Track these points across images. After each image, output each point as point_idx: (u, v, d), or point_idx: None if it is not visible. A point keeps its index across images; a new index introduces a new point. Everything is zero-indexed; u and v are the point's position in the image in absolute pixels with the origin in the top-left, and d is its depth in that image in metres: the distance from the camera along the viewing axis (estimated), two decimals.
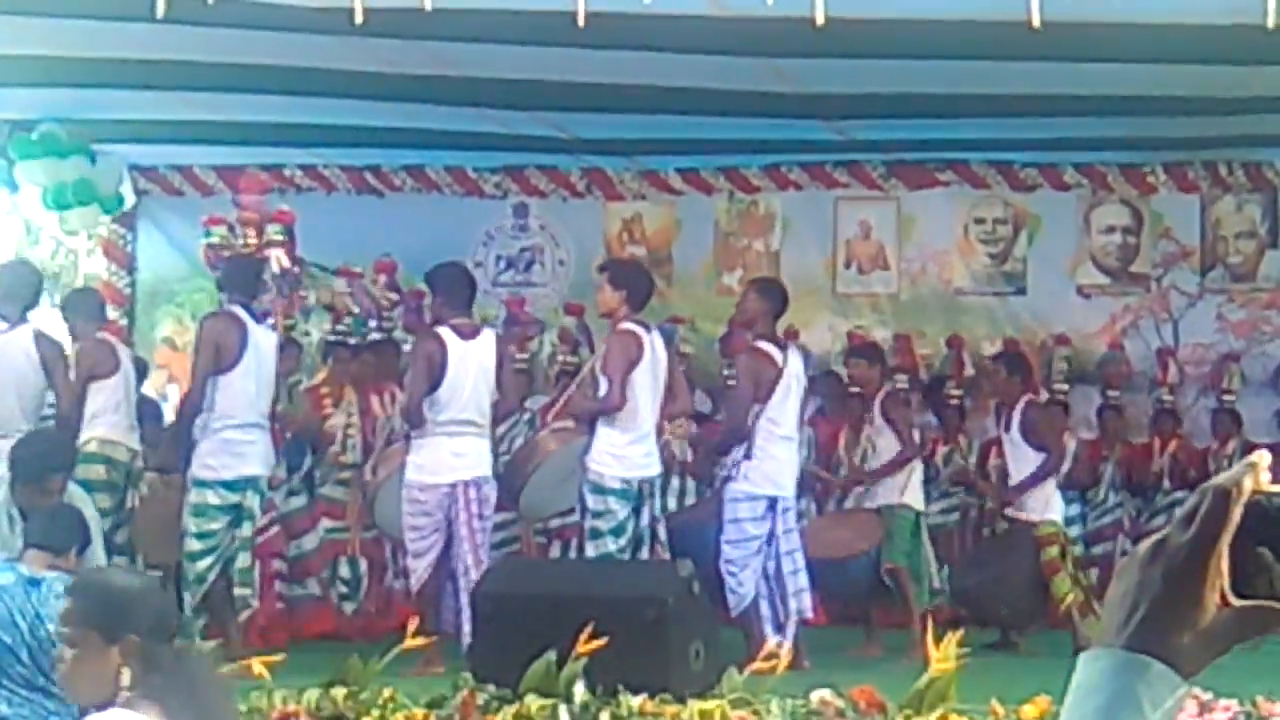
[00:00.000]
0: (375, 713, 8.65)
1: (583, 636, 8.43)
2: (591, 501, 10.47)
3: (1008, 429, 12.34)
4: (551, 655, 8.52)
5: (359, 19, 8.05)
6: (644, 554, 10.52)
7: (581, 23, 8.07)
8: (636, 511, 10.50)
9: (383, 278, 13.66)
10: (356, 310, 13.43)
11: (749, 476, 10.75)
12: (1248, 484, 1.52)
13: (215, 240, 11.98)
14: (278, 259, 11.83)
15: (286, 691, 8.87)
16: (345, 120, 13.08)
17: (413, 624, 9.06)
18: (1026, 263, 14.93)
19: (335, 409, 12.68)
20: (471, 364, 10.54)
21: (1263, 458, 1.55)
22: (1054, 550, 12.06)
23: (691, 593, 9.14)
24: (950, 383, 14.37)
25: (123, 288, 14.72)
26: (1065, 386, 14.30)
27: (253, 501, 10.90)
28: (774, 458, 10.85)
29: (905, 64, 10.90)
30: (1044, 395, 13.95)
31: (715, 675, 8.81)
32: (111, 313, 13.24)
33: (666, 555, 10.65)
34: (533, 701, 8.43)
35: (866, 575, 11.80)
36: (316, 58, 10.94)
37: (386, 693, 8.78)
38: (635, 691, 8.48)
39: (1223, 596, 1.51)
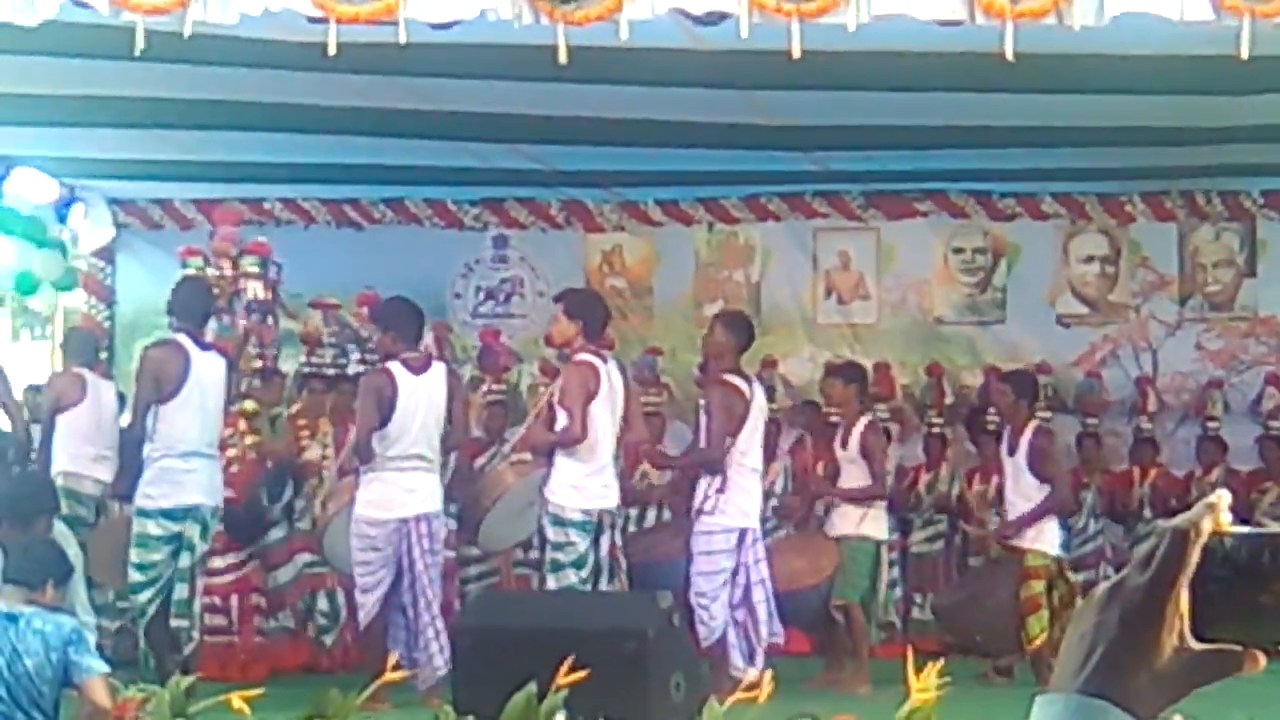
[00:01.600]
0: None
1: (563, 669, 8.41)
2: (552, 534, 10.44)
3: (1011, 453, 12.00)
4: (532, 688, 8.48)
5: (332, 51, 8.08)
6: (603, 584, 10.48)
7: (564, 59, 8.11)
8: (595, 542, 10.46)
9: (365, 310, 13.65)
10: (332, 342, 13.40)
11: (723, 509, 10.75)
12: (1206, 525, 1.51)
13: (192, 272, 11.97)
14: (253, 290, 11.82)
15: None
16: (324, 157, 13.11)
17: (392, 658, 9.03)
18: (1006, 292, 14.97)
19: (311, 440, 12.65)
20: (421, 398, 10.52)
21: (1222, 498, 1.54)
22: (1038, 586, 11.70)
23: (672, 624, 9.15)
24: (931, 411, 14.38)
25: (102, 320, 14.72)
26: (1048, 415, 14.29)
27: (193, 532, 10.79)
28: (744, 489, 10.88)
29: (882, 96, 10.94)
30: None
31: (696, 707, 8.79)
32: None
33: (625, 586, 10.65)
34: None
35: (817, 607, 11.69)
36: (294, 94, 10.97)
37: None
38: None
39: (1181, 639, 1.50)
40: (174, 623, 10.77)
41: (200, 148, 12.70)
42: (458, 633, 9.46)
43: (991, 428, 14.05)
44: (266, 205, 14.76)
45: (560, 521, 10.39)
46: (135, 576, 10.74)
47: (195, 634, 11.00)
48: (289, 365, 13.29)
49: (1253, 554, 1.48)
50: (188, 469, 10.78)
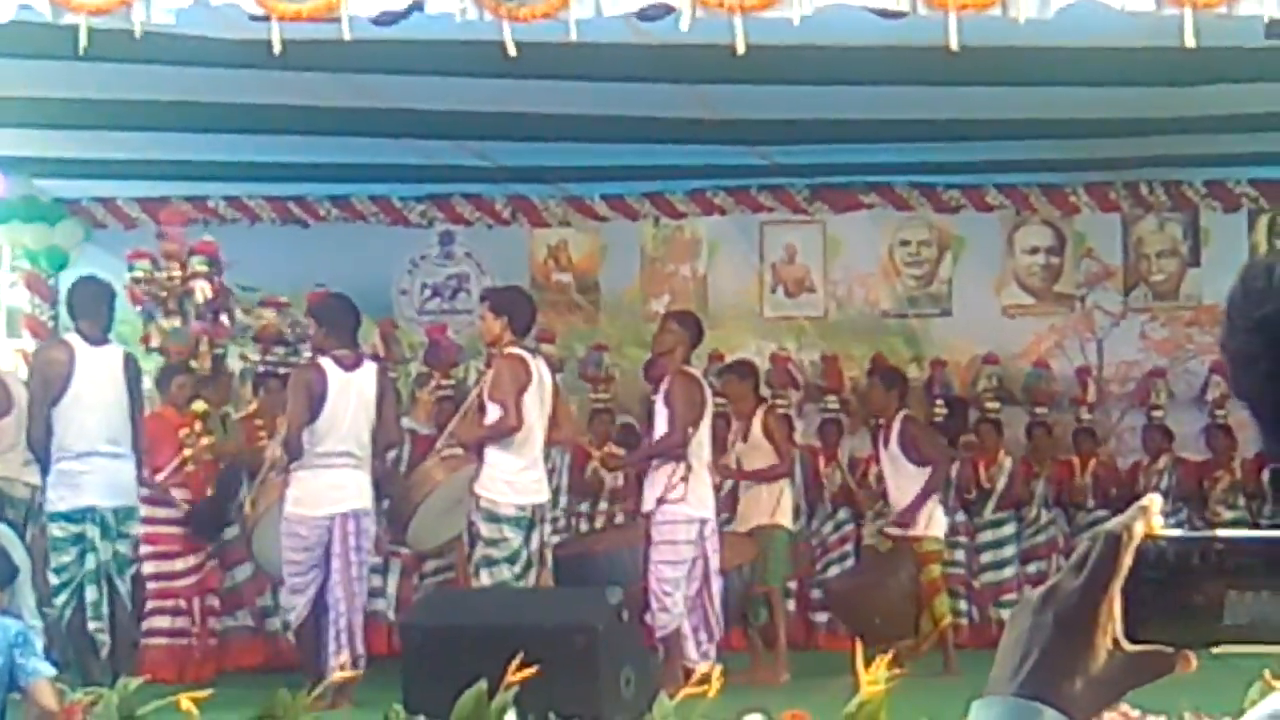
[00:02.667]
0: None
1: (513, 666, 8.40)
2: (485, 530, 10.36)
3: (886, 444, 12.30)
4: (483, 685, 8.46)
5: (277, 49, 8.05)
6: (531, 579, 10.43)
7: (512, 53, 8.10)
8: (528, 538, 10.42)
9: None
10: (286, 340, 13.36)
11: (688, 499, 10.75)
12: (1138, 529, 1.52)
13: (140, 274, 11.91)
14: (201, 290, 11.77)
15: None
16: (269, 155, 13.06)
17: (343, 656, 9.00)
18: (951, 284, 15.02)
19: (269, 439, 12.59)
20: (352, 395, 10.49)
21: (1153, 502, 1.55)
22: (936, 569, 12.08)
23: (621, 619, 9.15)
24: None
25: (46, 321, 14.60)
26: (996, 405, 14.36)
27: (94, 533, 10.71)
28: (704, 481, 10.92)
29: (827, 90, 10.96)
30: (974, 415, 14.07)
31: (646, 702, 8.80)
32: (33, 346, 13.11)
33: (552, 581, 10.65)
34: None
35: (736, 595, 11.63)
36: (238, 93, 10.92)
37: None
38: (567, 719, 8.45)
39: (1115, 642, 1.51)
40: (90, 625, 10.70)
41: (145, 147, 12.64)
42: (406, 631, 9.43)
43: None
44: (211, 204, 14.69)
45: (494, 517, 10.32)
46: (52, 580, 10.72)
47: (105, 636, 10.87)
48: (235, 364, 13.22)
49: (1184, 556, 1.49)
50: (84, 470, 10.70)
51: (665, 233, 15.21)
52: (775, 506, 12.03)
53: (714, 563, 10.87)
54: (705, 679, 8.71)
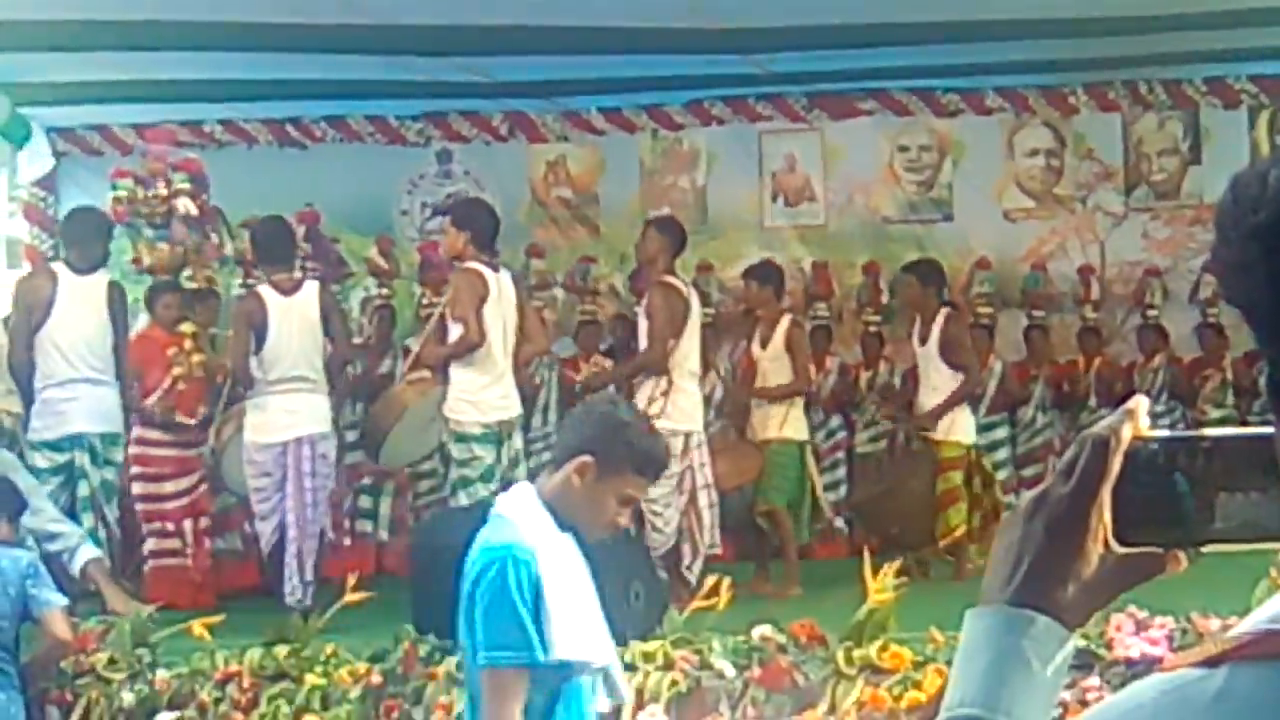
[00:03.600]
0: (318, 669, 8.64)
1: None
2: (456, 451, 10.26)
3: (923, 343, 12.01)
4: None
5: None
6: None
7: None
8: (499, 455, 10.27)
9: (303, 228, 13.54)
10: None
11: (669, 412, 10.58)
12: (1126, 432, 1.52)
13: (122, 193, 11.81)
14: (185, 206, 11.69)
15: (229, 652, 8.86)
16: (262, 74, 12.97)
17: (351, 579, 9.03)
18: (952, 189, 14.97)
19: None
20: (294, 320, 10.42)
21: (1140, 404, 1.55)
22: (956, 477, 11.76)
23: (628, 535, 9.16)
24: (868, 309, 14.36)
25: (45, 250, 14.57)
26: (989, 309, 14.34)
27: (84, 459, 10.70)
28: (687, 392, 10.79)
29: None
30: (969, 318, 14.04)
31: (657, 616, 8.83)
32: None
33: None
34: None
35: (744, 510, 11.66)
36: (230, 10, 10.84)
37: (329, 649, 8.78)
38: None
39: (1105, 545, 1.52)
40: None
41: (137, 68, 12.55)
42: (413, 551, 9.45)
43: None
44: (206, 128, 14.63)
45: (462, 437, 10.19)
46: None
47: (133, 562, 10.88)
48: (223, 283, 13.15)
49: (1173, 459, 1.50)
50: (68, 397, 10.68)
51: (664, 145, 15.16)
52: (784, 419, 11.81)
53: (701, 477, 10.78)
54: (715, 591, 8.76)
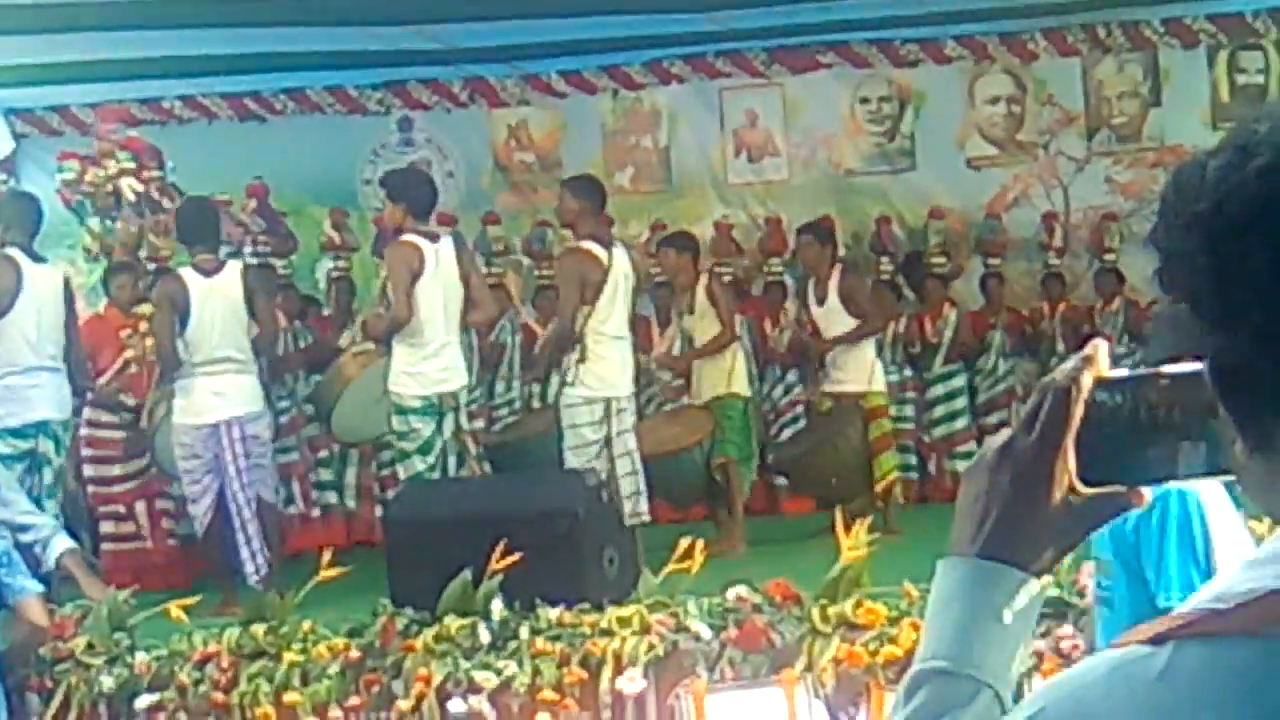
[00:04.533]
0: (297, 647, 8.66)
1: (496, 553, 8.46)
2: (395, 423, 10.22)
3: (821, 303, 12.15)
4: (467, 574, 8.54)
5: None
6: (452, 470, 10.25)
7: None
8: (440, 427, 10.23)
9: (253, 202, 13.51)
10: (224, 240, 13.26)
11: (584, 380, 10.49)
12: (1086, 380, 1.55)
13: (69, 176, 11.76)
14: (130, 186, 11.63)
15: (206, 632, 8.88)
16: (220, 48, 12.93)
17: (326, 555, 9.04)
18: (914, 139, 14.98)
19: None
20: (217, 300, 10.36)
21: (1098, 348, 1.58)
22: (886, 424, 12.07)
23: (601, 501, 9.18)
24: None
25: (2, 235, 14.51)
26: (942, 259, 14.38)
27: (47, 447, 10.69)
28: (605, 359, 10.55)
29: None
30: (922, 270, 14.08)
31: (631, 580, 8.86)
32: None
33: (485, 468, 10.53)
34: (452, 622, 8.46)
35: (699, 468, 11.65)
36: None
37: (306, 625, 8.79)
38: (553, 604, 8.51)
39: (1071, 489, 1.55)
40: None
41: (95, 48, 12.50)
42: (388, 524, 9.47)
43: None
44: (166, 104, 14.60)
45: (401, 410, 10.16)
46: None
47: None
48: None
49: (1133, 400, 1.52)
50: (31, 384, 10.65)
51: (625, 105, 15.15)
52: (729, 374, 11.83)
53: (620, 444, 10.57)
54: (689, 554, 8.78)
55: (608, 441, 10.52)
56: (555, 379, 11.15)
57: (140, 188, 11.62)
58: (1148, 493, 1.56)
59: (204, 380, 10.37)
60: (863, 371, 12.08)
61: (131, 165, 11.67)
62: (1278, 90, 14.40)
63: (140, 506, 11.94)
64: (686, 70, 14.88)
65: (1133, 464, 1.53)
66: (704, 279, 12.01)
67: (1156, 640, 1.41)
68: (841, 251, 13.93)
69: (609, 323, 10.57)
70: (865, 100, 14.98)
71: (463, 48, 13.80)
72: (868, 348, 12.24)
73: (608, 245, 10.71)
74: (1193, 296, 1.45)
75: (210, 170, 13.23)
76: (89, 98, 14.32)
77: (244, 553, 10.31)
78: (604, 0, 12.22)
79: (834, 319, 12.08)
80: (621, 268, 10.68)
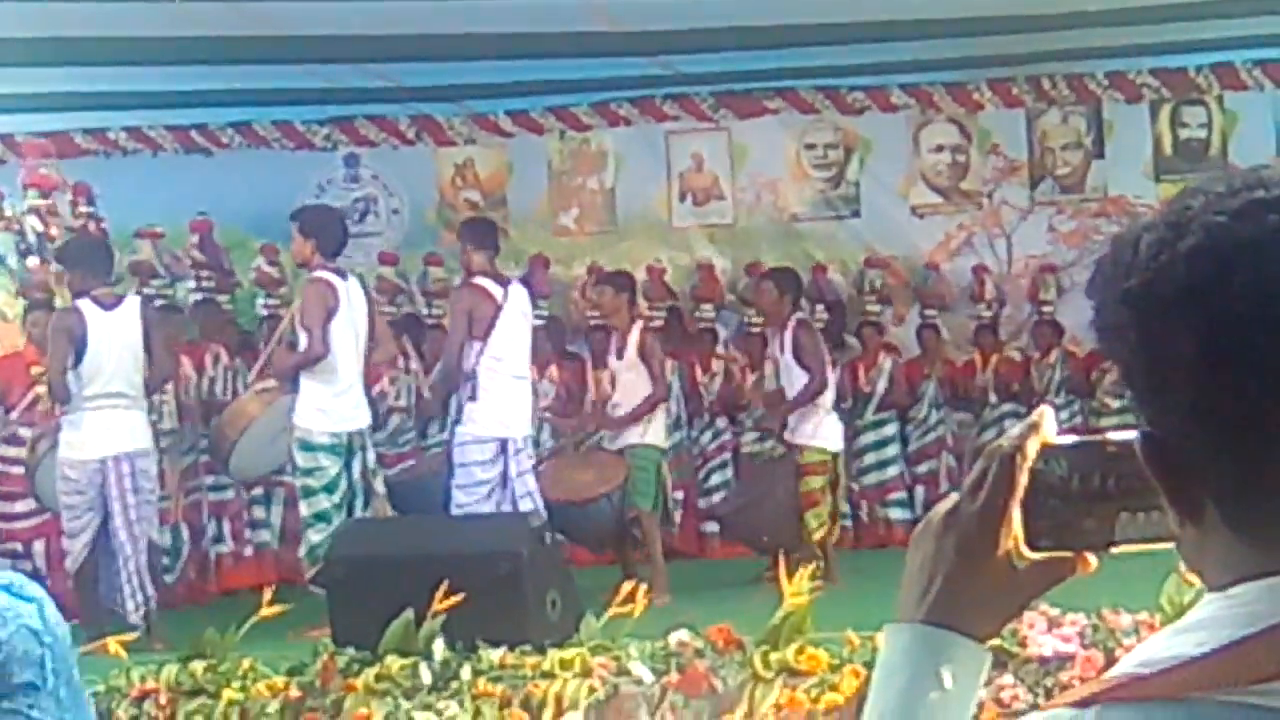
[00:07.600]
0: (236, 684, 8.61)
1: (439, 594, 8.44)
2: (301, 459, 10.21)
3: (781, 350, 11.97)
4: (409, 614, 8.53)
5: None
6: (358, 509, 10.25)
7: None
8: (348, 466, 10.24)
9: (196, 237, 13.45)
10: (162, 273, 13.21)
11: (475, 419, 10.46)
12: (1032, 447, 1.56)
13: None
14: (31, 226, 11.56)
15: (145, 669, 8.82)
16: (168, 85, 12.89)
17: (268, 593, 9.00)
18: (859, 186, 15.04)
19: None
20: (114, 336, 10.28)
21: (1044, 415, 1.59)
22: (816, 481, 11.74)
23: (544, 543, 9.17)
24: (750, 310, 14.20)
25: None
26: (877, 308, 14.44)
27: None
28: (501, 398, 10.51)
29: None
30: (858, 320, 14.09)
31: (573, 623, 8.85)
32: None
33: (387, 509, 10.51)
34: (393, 662, 8.44)
35: (610, 518, 11.45)
36: (135, 27, 10.77)
37: (246, 663, 8.75)
38: (495, 645, 8.52)
39: (1018, 553, 1.56)
40: None
41: (44, 81, 12.45)
42: (329, 564, 9.41)
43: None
44: (111, 135, 14.54)
45: (309, 446, 10.16)
46: None
47: None
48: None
49: (1079, 478, 1.54)
50: None
51: (571, 146, 15.17)
52: (646, 424, 11.62)
53: (520, 485, 10.50)
54: (631, 598, 8.77)
55: (504, 482, 10.46)
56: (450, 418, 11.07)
57: (41, 227, 11.52)
58: (1093, 559, 1.58)
59: (94, 415, 10.24)
60: (809, 426, 11.81)
61: (40, 202, 11.57)
62: (1219, 144, 14.54)
63: (38, 546, 11.84)
64: (634, 113, 14.92)
65: (1075, 530, 1.55)
66: (637, 329, 11.79)
67: (1083, 704, 1.42)
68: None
69: (505, 361, 10.54)
70: (811, 146, 15.04)
71: (411, 86, 13.81)
72: (826, 403, 11.99)
73: (503, 283, 10.73)
74: (1125, 369, 1.47)
75: (153, 203, 13.19)
76: (35, 126, 14.26)
77: (126, 590, 10.19)
78: (552, 42, 12.22)
79: (790, 371, 11.89)
80: (519, 306, 10.69)
